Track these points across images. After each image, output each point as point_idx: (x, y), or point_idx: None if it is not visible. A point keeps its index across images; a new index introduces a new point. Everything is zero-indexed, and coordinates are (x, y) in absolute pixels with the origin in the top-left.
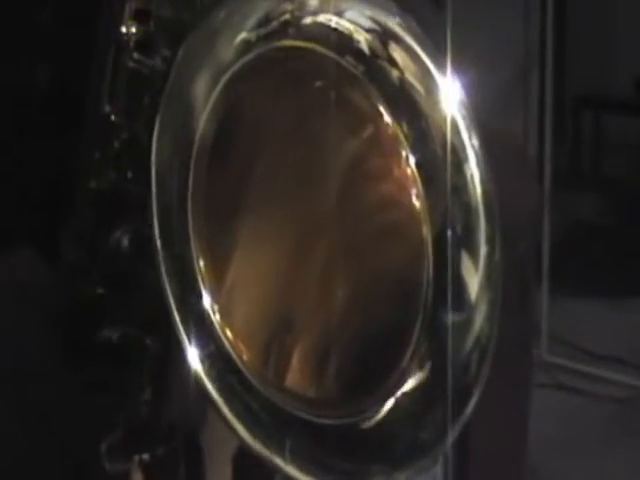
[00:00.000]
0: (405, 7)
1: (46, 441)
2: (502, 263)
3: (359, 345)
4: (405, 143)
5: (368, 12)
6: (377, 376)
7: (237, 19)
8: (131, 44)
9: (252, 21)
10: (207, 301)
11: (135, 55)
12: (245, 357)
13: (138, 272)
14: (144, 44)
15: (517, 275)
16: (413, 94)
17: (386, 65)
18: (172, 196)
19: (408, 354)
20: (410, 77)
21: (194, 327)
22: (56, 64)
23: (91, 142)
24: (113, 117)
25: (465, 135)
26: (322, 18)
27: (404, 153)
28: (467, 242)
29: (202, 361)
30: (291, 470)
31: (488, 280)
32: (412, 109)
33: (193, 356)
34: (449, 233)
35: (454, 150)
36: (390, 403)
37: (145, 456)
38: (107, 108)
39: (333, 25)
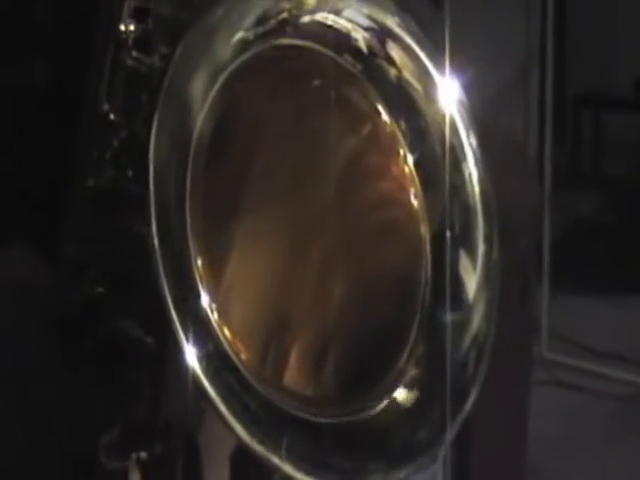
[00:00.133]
0: (403, 6)
1: (46, 441)
2: (500, 262)
3: (357, 344)
4: (403, 141)
5: (366, 11)
6: (375, 374)
7: (235, 18)
8: (130, 42)
9: (250, 20)
10: (205, 300)
11: (134, 53)
12: (243, 356)
13: (137, 270)
14: (143, 42)
15: (517, 273)
16: (411, 92)
17: (384, 64)
18: (170, 195)
19: (405, 353)
20: (408, 76)
21: (192, 326)
22: (54, 62)
23: (89, 140)
24: (112, 115)
25: (463, 134)
26: (320, 17)
27: (402, 152)
28: (465, 241)
29: (200, 360)
30: (288, 468)
31: (486, 279)
32: (410, 107)
33: (191, 355)
34: (447, 232)
35: (452, 149)
36: (387, 401)
37: (143, 454)
38: (105, 106)
39: (331, 24)
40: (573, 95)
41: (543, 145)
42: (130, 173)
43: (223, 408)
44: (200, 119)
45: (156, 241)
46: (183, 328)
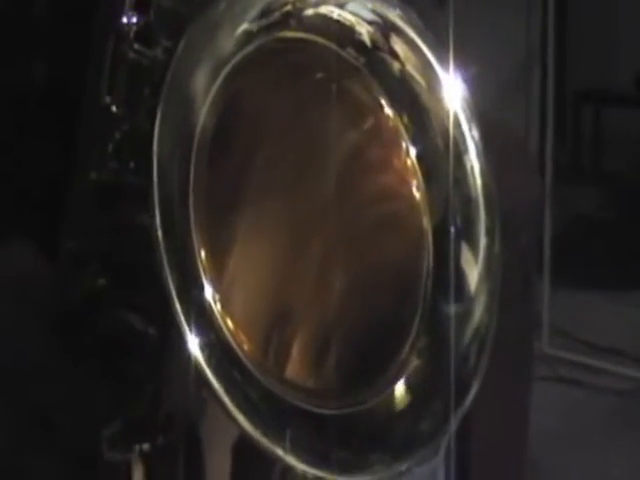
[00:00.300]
0: (407, 0)
1: (48, 434)
2: (502, 255)
3: (359, 336)
4: (405, 135)
5: (370, 4)
6: (376, 367)
7: (238, 10)
8: (131, 35)
9: (253, 12)
10: (208, 292)
11: (135, 46)
12: (245, 347)
13: (139, 263)
14: (144, 35)
15: (518, 267)
16: (414, 86)
17: (387, 57)
18: (173, 188)
19: (407, 345)
20: (411, 69)
21: (195, 317)
22: (56, 55)
23: (91, 133)
24: (114, 108)
25: (465, 127)
26: (324, 9)
27: (404, 145)
28: (467, 234)
29: (202, 350)
30: (291, 460)
31: (488, 272)
32: (413, 101)
33: (194, 345)
34: (449, 225)
35: (454, 142)
36: (389, 393)
37: (145, 446)
38: (107, 99)
39: (335, 17)
40: (574, 92)
41: (544, 142)
42: (132, 166)
43: (226, 399)
44: (203, 113)
45: (160, 233)
46: (186, 319)
